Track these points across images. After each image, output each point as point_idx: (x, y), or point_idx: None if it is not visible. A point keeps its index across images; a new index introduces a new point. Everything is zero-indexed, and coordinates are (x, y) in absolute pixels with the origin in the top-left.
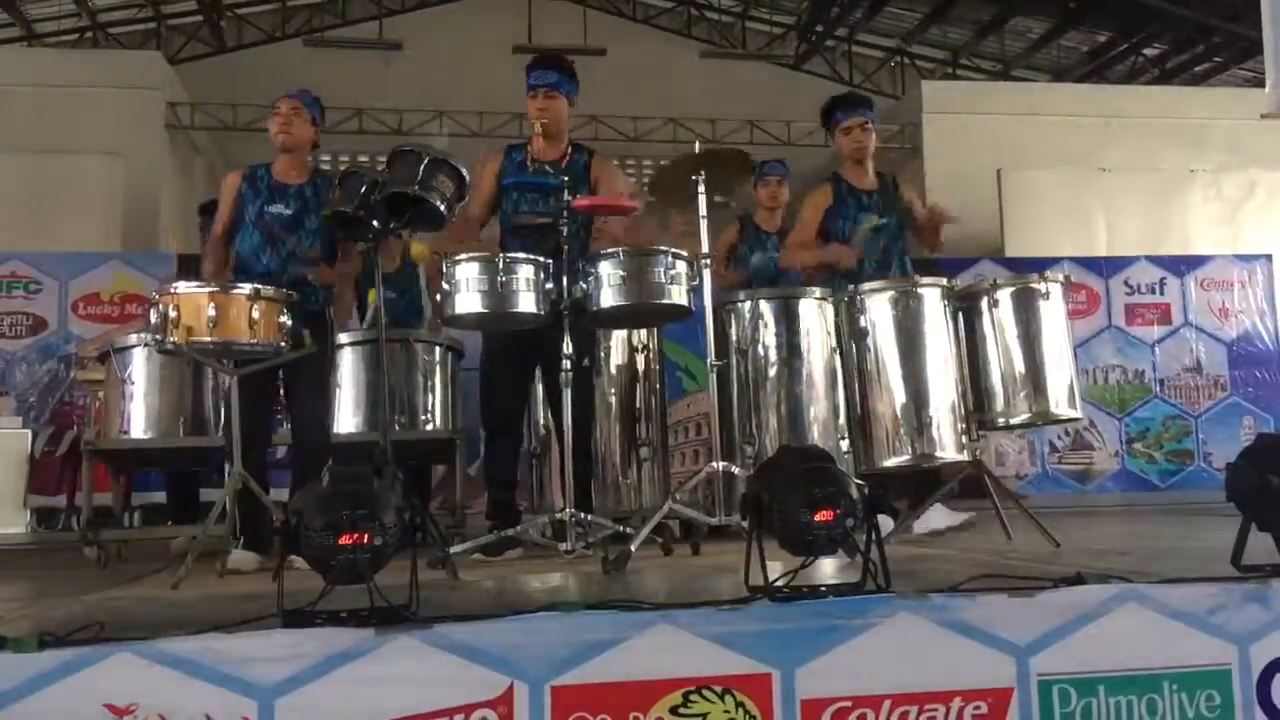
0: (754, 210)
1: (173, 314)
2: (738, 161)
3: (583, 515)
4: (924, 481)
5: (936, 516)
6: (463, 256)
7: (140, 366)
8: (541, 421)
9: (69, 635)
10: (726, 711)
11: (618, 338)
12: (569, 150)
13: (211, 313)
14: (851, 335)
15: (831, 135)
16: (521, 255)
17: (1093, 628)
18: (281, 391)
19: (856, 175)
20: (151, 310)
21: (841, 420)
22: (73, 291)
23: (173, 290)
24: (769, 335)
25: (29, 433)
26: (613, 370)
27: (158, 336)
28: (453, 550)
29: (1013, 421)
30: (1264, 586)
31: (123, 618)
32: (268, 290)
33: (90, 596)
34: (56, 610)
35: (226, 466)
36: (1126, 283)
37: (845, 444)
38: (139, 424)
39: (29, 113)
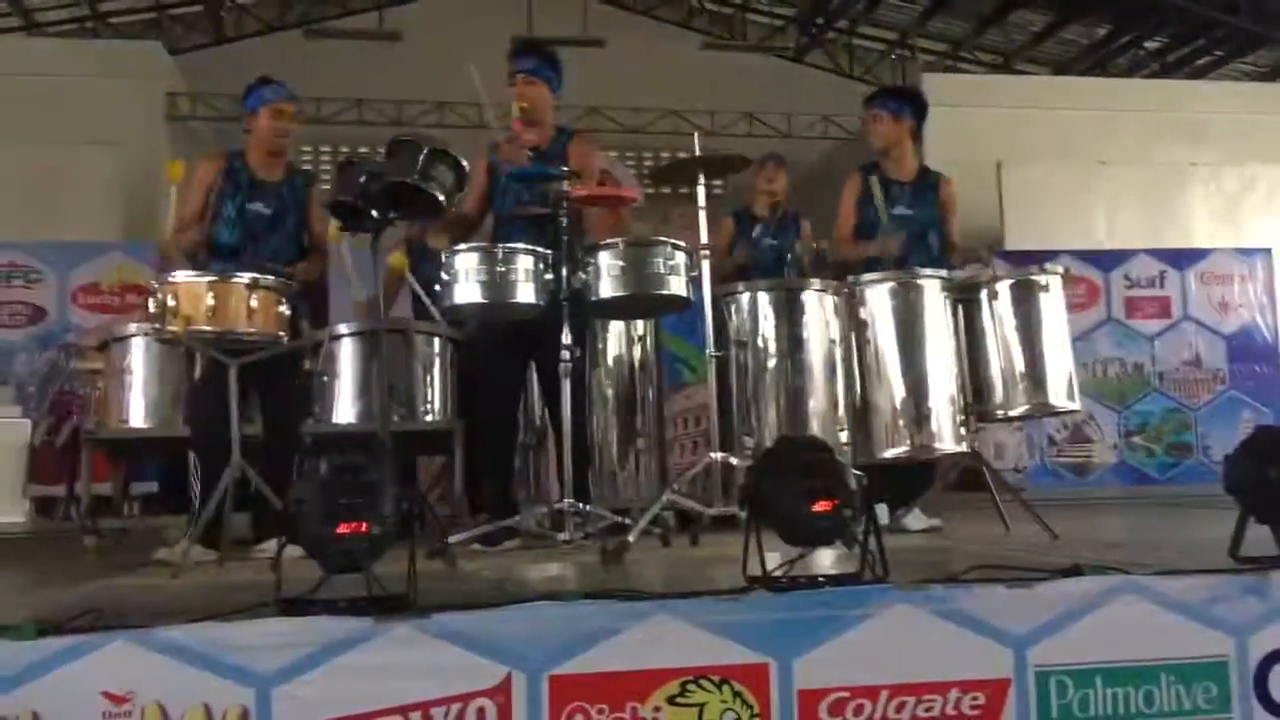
0: (753, 199)
1: (171, 303)
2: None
3: (581, 505)
4: (909, 481)
5: (912, 519)
6: (461, 247)
7: (139, 356)
8: (537, 413)
9: (67, 623)
10: (724, 701)
11: (615, 329)
12: (552, 135)
13: (210, 302)
14: (851, 327)
15: None
16: (520, 245)
17: (1090, 619)
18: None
19: (891, 164)
20: (150, 299)
21: (841, 411)
22: (72, 281)
23: (171, 279)
24: (768, 326)
25: (28, 422)
26: (610, 361)
27: (156, 326)
28: (451, 540)
29: (1011, 413)
30: (1262, 578)
31: (121, 606)
32: (266, 279)
33: (88, 585)
34: (55, 598)
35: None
36: (1126, 276)
37: (844, 435)
38: (138, 413)
39: (29, 102)
